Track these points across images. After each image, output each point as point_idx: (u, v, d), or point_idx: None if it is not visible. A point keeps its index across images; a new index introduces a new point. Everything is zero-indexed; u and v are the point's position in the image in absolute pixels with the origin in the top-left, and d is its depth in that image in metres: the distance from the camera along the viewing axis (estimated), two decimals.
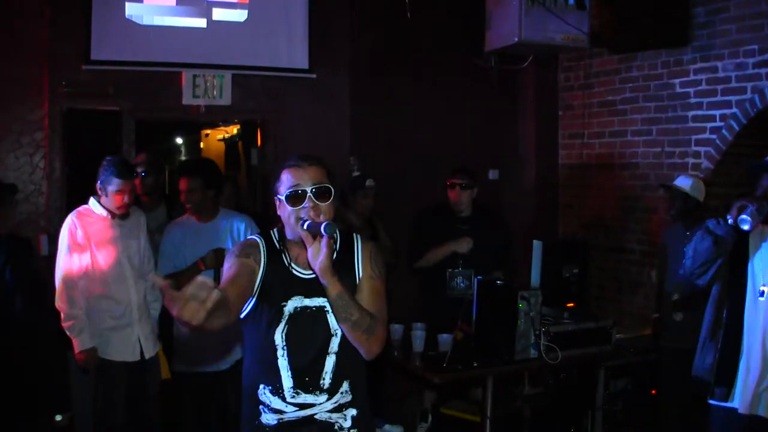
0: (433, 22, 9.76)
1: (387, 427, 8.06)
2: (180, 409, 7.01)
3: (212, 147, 12.76)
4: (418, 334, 6.72)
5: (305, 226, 3.59)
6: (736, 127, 7.97)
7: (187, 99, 8.75)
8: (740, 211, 5.42)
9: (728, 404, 5.61)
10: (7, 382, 6.61)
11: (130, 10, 8.52)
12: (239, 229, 6.84)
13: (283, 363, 3.83)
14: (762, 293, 5.54)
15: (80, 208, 6.52)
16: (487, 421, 6.63)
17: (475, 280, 6.81)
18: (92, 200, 6.53)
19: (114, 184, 6.37)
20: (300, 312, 3.82)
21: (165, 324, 7.00)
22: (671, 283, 7.33)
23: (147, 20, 8.58)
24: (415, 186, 9.21)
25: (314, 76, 9.25)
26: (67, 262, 6.36)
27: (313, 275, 3.74)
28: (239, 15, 8.93)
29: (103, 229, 6.44)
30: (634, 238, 9.31)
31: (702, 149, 8.36)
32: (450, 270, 7.64)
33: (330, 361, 3.87)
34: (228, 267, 3.80)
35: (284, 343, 3.82)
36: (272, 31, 9.08)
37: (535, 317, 6.53)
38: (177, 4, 8.68)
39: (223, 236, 6.79)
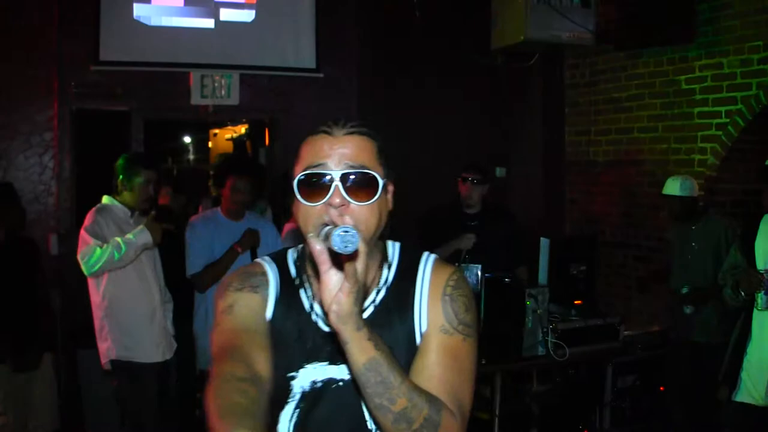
0: (439, 21, 9.77)
1: None
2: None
3: (220, 146, 12.80)
4: None
5: (321, 234, 2.08)
6: (742, 123, 7.98)
7: (195, 99, 8.82)
8: (756, 289, 5.61)
9: (740, 399, 5.70)
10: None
11: (138, 11, 8.59)
12: (266, 237, 6.76)
13: None
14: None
15: (99, 206, 6.29)
16: (495, 418, 6.66)
17: (483, 277, 6.83)
18: (108, 198, 6.36)
19: (143, 176, 6.28)
20: (322, 389, 2.37)
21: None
22: (679, 277, 7.40)
23: (155, 21, 8.66)
24: (422, 184, 9.20)
25: (321, 75, 9.33)
26: (87, 240, 6.01)
27: None
28: (247, 15, 9.00)
29: (123, 225, 6.29)
30: (641, 235, 9.32)
31: (708, 145, 8.37)
32: (457, 265, 7.65)
33: None
34: (225, 310, 2.37)
35: None
36: (280, 31, 9.14)
37: (542, 314, 6.55)
38: (185, 4, 8.76)
39: None
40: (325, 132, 2.35)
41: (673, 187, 7.30)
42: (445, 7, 9.83)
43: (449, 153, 9.30)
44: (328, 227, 2.07)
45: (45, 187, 8.39)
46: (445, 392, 2.25)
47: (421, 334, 2.38)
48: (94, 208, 6.27)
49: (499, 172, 10.54)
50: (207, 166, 13.14)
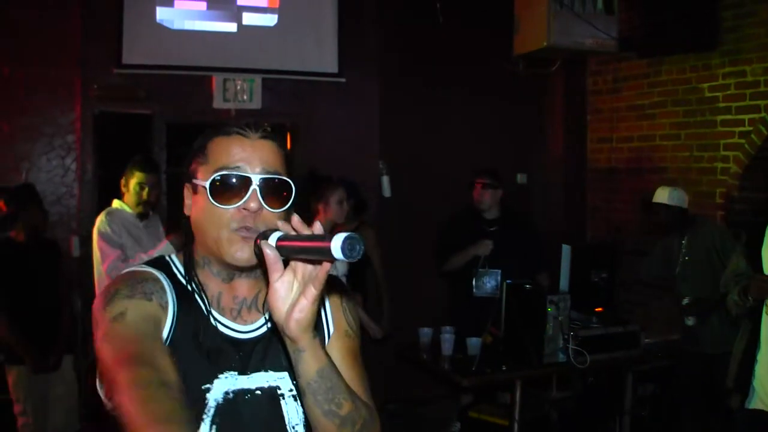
0: (461, 26, 9.76)
1: None
2: None
3: None
4: (447, 337, 6.74)
5: (271, 240, 1.99)
6: (765, 132, 7.93)
7: (217, 103, 8.81)
8: (765, 294, 5.55)
9: (753, 407, 5.67)
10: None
11: (161, 14, 8.59)
12: None
13: None
14: None
15: (108, 209, 6.47)
16: (515, 424, 6.65)
17: (504, 283, 6.82)
18: (118, 202, 6.54)
19: (136, 177, 6.40)
20: (234, 400, 2.27)
21: None
22: (679, 289, 7.41)
23: (178, 25, 8.65)
24: (443, 189, 9.20)
25: (344, 80, 9.31)
26: (109, 254, 6.13)
27: (255, 331, 2.35)
28: (269, 19, 8.99)
29: (132, 228, 6.39)
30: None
31: (731, 153, 8.33)
32: (476, 270, 7.66)
33: None
34: (116, 318, 2.14)
35: None
36: (302, 36, 9.12)
37: (563, 321, 6.54)
38: (207, 8, 8.76)
39: None
40: (240, 134, 2.27)
41: (662, 195, 7.33)
42: (467, 12, 9.81)
43: (470, 158, 9.25)
44: (278, 232, 2.00)
45: (67, 189, 8.42)
46: (360, 391, 2.28)
47: (329, 337, 2.41)
48: (103, 213, 6.40)
49: (520, 178, 10.54)
50: None
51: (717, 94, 8.47)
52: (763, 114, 7.92)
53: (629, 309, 9.30)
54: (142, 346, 2.07)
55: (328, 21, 9.21)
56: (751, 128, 8.07)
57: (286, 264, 2.00)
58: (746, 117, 8.12)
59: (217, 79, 8.81)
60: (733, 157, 8.30)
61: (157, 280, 2.28)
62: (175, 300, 2.27)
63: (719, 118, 8.45)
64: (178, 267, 2.37)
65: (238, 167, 2.18)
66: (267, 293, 2.04)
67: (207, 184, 2.18)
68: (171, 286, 2.29)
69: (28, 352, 6.67)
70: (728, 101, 8.34)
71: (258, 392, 2.28)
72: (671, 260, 7.52)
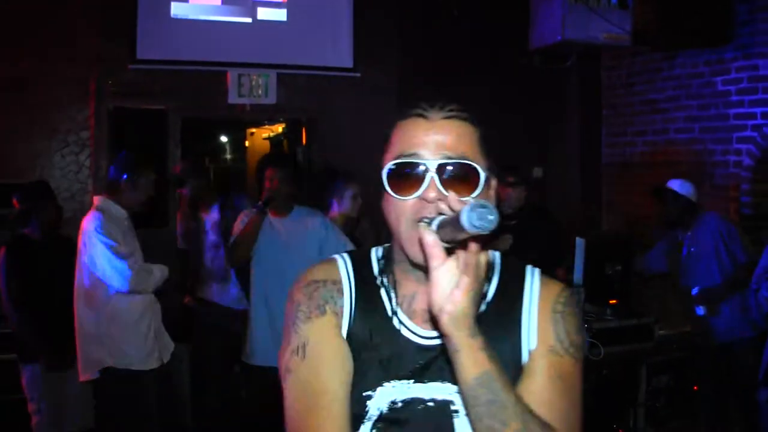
0: (477, 20, 9.75)
1: None
2: (243, 404, 6.93)
3: (257, 146, 12.78)
4: None
5: (433, 225, 1.82)
6: None
7: (232, 98, 8.85)
8: None
9: None
10: None
11: (176, 9, 8.63)
12: (314, 225, 6.42)
13: None
14: None
15: (102, 207, 6.18)
16: None
17: None
18: (104, 199, 6.27)
19: (146, 175, 6.31)
20: (402, 410, 2.07)
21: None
22: (687, 280, 7.50)
23: (192, 20, 8.66)
24: None
25: (359, 74, 9.34)
26: (119, 251, 5.98)
27: (439, 338, 2.00)
28: (284, 14, 9.02)
29: (122, 226, 6.21)
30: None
31: (744, 147, 8.34)
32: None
33: None
34: (296, 350, 2.10)
35: None
36: (317, 30, 9.16)
37: (578, 314, 6.53)
38: (222, 3, 8.80)
39: (298, 232, 6.43)
40: (420, 115, 2.10)
41: (674, 183, 7.43)
42: (483, 7, 9.80)
43: None
44: (443, 216, 1.81)
45: (81, 186, 8.44)
46: (556, 419, 1.96)
47: (529, 353, 2.09)
48: (99, 213, 6.12)
49: (536, 172, 10.53)
50: (243, 165, 13.24)
51: (730, 87, 8.50)
52: None
53: (644, 301, 9.31)
54: (323, 399, 2.02)
55: (342, 15, 9.25)
56: (764, 121, 8.09)
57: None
58: (759, 110, 8.15)
59: (232, 75, 8.84)
60: (745, 150, 8.31)
61: (336, 281, 2.18)
62: (353, 301, 2.15)
63: (732, 111, 8.46)
64: (378, 260, 2.25)
65: (415, 153, 2.01)
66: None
67: (384, 175, 2.04)
68: (354, 285, 2.18)
69: (43, 349, 6.71)
70: (741, 95, 8.36)
71: (431, 403, 2.05)
72: (675, 254, 7.53)
